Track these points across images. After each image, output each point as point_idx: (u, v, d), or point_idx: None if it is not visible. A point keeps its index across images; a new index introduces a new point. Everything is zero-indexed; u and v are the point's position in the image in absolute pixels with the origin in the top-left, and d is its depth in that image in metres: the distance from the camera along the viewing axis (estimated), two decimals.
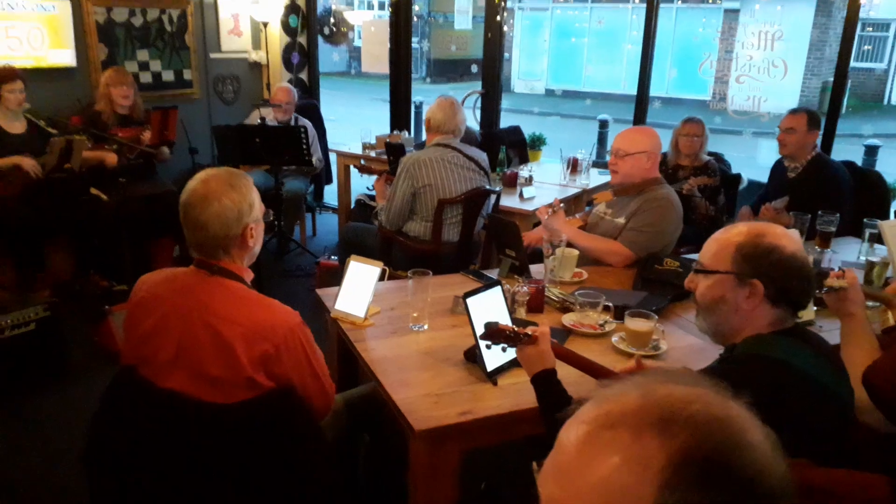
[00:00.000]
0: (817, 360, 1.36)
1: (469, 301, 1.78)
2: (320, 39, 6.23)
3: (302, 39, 5.89)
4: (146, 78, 5.03)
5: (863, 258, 2.80)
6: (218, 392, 1.54)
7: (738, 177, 4.22)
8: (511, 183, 4.18)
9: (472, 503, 1.79)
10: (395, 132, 5.12)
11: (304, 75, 6.01)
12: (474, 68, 12.86)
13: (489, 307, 1.85)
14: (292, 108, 4.85)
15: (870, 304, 2.14)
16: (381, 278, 2.09)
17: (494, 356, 1.78)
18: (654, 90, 13.80)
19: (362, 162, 3.89)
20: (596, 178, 4.44)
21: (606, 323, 2.13)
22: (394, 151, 3.76)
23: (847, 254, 3.01)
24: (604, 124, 8.92)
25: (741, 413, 0.67)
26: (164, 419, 1.55)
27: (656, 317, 2.01)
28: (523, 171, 4.26)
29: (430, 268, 2.14)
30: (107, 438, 1.63)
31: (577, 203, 4.08)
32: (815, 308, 2.23)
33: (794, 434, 1.29)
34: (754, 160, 6.64)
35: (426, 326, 2.09)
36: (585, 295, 2.17)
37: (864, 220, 2.98)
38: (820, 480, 1.20)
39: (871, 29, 15.96)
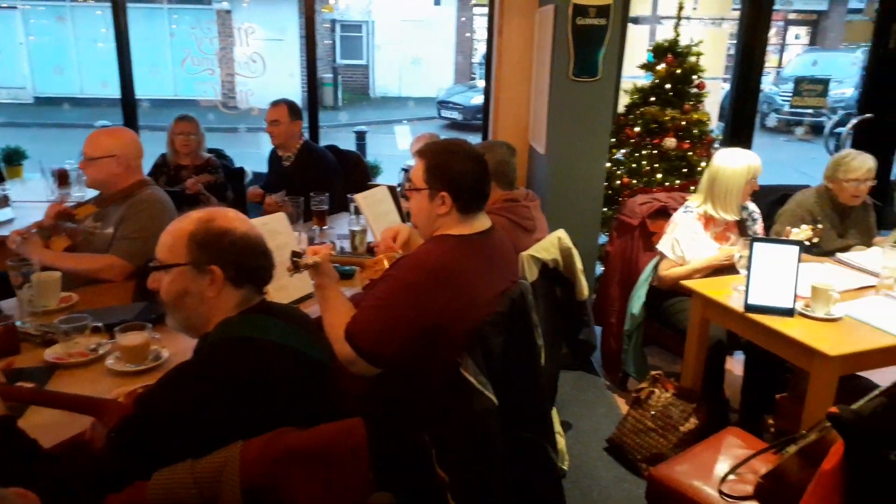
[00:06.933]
0: (286, 328, 1.43)
1: None
2: None
3: None
4: None
5: (351, 229, 3.14)
6: None
7: (241, 170, 4.31)
8: None
9: None
10: None
11: None
12: None
13: None
14: None
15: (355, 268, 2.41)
16: None
17: None
18: (159, 92, 13.30)
19: None
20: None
21: (100, 346, 1.91)
22: None
23: (342, 227, 3.35)
24: None
25: None
26: None
27: (150, 325, 1.88)
28: None
29: None
30: None
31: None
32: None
33: (275, 402, 1.32)
34: (260, 153, 6.97)
35: None
36: (68, 321, 1.89)
37: (348, 195, 3.34)
38: (301, 443, 1.25)
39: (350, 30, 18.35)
